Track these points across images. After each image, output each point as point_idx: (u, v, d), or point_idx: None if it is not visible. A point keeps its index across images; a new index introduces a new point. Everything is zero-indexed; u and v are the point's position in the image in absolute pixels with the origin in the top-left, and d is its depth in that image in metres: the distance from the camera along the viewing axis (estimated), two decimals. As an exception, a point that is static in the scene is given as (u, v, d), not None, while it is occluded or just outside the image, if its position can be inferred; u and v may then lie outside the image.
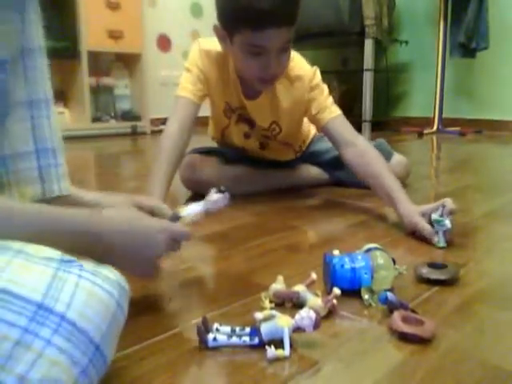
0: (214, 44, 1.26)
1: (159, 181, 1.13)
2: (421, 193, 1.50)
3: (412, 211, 1.04)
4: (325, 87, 1.33)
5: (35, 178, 0.65)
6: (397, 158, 1.53)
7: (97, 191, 0.84)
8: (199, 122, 1.32)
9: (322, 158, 1.56)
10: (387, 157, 1.40)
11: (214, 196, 0.77)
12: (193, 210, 0.77)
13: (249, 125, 1.40)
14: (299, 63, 1.32)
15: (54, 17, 3.08)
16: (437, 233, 0.99)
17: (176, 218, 0.75)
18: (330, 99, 1.31)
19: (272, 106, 1.33)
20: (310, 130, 1.58)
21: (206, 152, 1.50)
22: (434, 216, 0.99)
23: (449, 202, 0.99)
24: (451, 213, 0.98)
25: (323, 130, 1.30)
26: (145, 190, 1.14)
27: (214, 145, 1.57)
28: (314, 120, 1.32)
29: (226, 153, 1.50)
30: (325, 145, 1.51)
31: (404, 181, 1.45)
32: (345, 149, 1.23)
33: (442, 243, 0.98)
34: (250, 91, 1.32)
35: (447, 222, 0.98)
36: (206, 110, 1.41)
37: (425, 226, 1.00)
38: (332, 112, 1.28)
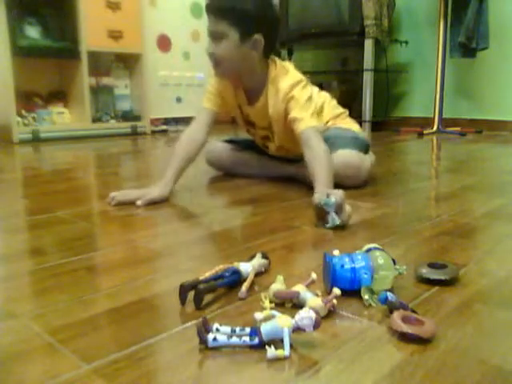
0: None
1: (172, 169, 1.44)
2: (421, 193, 1.50)
3: (320, 191, 1.18)
4: (303, 97, 1.45)
5: None
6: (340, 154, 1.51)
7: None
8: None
9: None
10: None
11: (261, 260, 0.84)
12: (246, 267, 0.81)
13: (252, 126, 1.67)
14: (284, 75, 1.49)
15: (53, 17, 3.08)
16: (328, 213, 1.09)
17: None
18: (307, 111, 1.44)
19: (264, 112, 1.54)
20: None
21: (228, 141, 1.85)
22: (323, 200, 1.09)
23: (340, 193, 1.12)
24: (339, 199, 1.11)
25: (297, 136, 1.44)
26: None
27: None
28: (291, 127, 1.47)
29: (241, 142, 1.84)
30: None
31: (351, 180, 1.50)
32: (306, 150, 1.39)
33: (330, 224, 1.08)
34: (250, 98, 1.57)
35: (331, 199, 1.08)
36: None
37: (315, 196, 1.14)
38: (303, 124, 1.42)
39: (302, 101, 1.45)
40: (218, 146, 1.84)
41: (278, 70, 1.51)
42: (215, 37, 1.42)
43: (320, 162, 1.32)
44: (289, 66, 1.54)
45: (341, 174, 1.43)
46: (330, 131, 1.60)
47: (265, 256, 0.85)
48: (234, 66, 1.48)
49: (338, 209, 1.10)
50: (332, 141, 1.49)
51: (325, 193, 1.13)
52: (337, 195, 1.11)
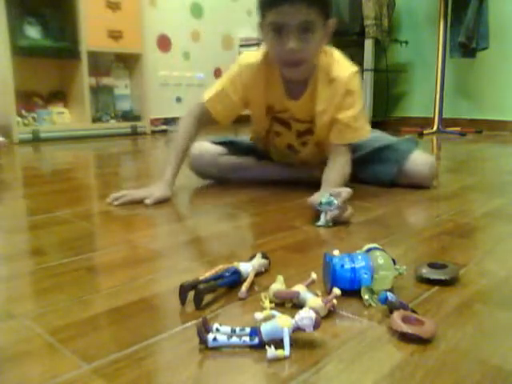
0: (254, 55, 1.39)
1: (171, 167, 1.40)
2: (421, 193, 1.50)
3: (324, 190, 1.19)
4: (358, 94, 1.33)
5: None
6: (415, 158, 1.52)
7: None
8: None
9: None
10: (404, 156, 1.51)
11: (261, 260, 0.84)
12: (246, 267, 0.81)
13: (285, 127, 1.48)
14: (340, 64, 1.33)
15: (54, 17, 3.08)
16: (321, 213, 1.11)
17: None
18: (362, 116, 1.35)
19: (311, 105, 1.36)
20: None
21: (219, 143, 1.63)
22: (324, 198, 1.10)
23: (346, 192, 1.12)
24: (342, 198, 1.10)
25: (331, 140, 1.37)
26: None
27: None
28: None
29: (236, 144, 1.62)
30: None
31: (428, 181, 1.55)
32: (332, 160, 1.36)
33: (320, 222, 1.10)
34: (293, 92, 1.37)
35: (334, 201, 1.09)
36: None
37: (313, 196, 1.15)
38: (350, 135, 1.35)
39: (358, 100, 1.33)
40: (209, 151, 1.59)
41: (329, 57, 1.34)
42: (305, 29, 1.20)
43: (338, 172, 1.32)
44: (335, 51, 1.37)
45: (427, 175, 1.50)
46: (377, 138, 1.57)
47: (265, 256, 0.85)
48: (315, 60, 1.30)
49: (339, 209, 1.11)
50: (393, 147, 1.52)
51: (326, 193, 1.13)
52: (344, 192, 1.11)
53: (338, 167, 1.34)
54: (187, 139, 1.44)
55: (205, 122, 1.45)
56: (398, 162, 1.51)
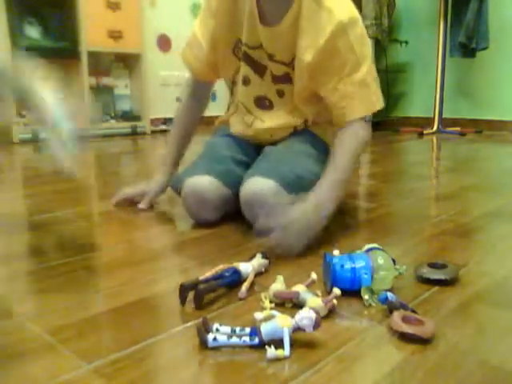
0: None
1: (170, 154, 1.28)
2: (421, 193, 1.50)
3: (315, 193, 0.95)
4: (366, 44, 1.02)
5: None
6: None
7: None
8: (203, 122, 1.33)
9: None
10: None
11: (261, 260, 0.83)
12: (246, 267, 0.80)
13: (256, 70, 1.14)
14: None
15: (53, 17, 3.08)
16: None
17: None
18: (373, 78, 1.04)
19: (291, 40, 1.05)
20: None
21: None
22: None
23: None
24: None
25: (337, 119, 1.06)
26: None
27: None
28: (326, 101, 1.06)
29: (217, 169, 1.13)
30: None
31: None
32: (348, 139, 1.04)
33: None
34: (270, 14, 1.05)
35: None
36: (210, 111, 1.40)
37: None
38: (360, 108, 1.04)
39: (362, 47, 1.01)
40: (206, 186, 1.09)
41: None
42: None
43: (344, 150, 1.02)
44: None
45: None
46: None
47: (265, 256, 0.85)
48: None
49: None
50: None
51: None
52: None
53: (345, 144, 1.03)
54: (188, 115, 1.28)
55: (194, 85, 1.27)
56: None
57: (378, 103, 1.08)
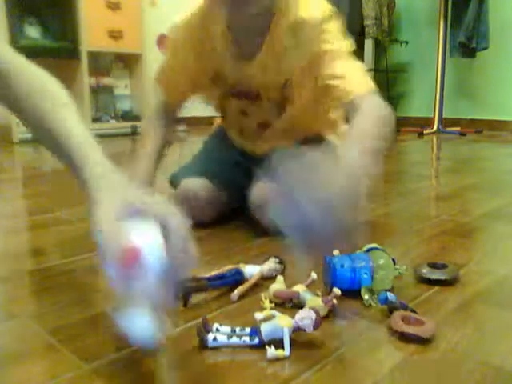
0: (186, 20, 1.14)
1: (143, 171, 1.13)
2: (421, 193, 1.50)
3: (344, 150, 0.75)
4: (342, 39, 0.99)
5: None
6: None
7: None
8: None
9: None
10: None
11: (273, 265, 0.82)
12: (253, 270, 0.79)
13: (251, 100, 1.10)
14: (309, 3, 0.98)
15: (53, 17, 3.08)
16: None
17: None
18: (354, 63, 0.99)
19: (274, 67, 1.01)
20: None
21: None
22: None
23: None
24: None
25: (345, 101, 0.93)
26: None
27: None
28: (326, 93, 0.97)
29: (216, 174, 1.14)
30: None
31: None
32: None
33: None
34: (246, 48, 1.02)
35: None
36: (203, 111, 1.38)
37: None
38: (360, 85, 0.94)
39: (342, 41, 0.98)
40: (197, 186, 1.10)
41: None
42: None
43: (368, 117, 0.84)
44: None
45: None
46: None
47: (280, 261, 0.83)
48: None
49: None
50: None
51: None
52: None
53: (367, 112, 0.86)
54: (161, 138, 1.16)
55: (166, 108, 1.20)
56: None
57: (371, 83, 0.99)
